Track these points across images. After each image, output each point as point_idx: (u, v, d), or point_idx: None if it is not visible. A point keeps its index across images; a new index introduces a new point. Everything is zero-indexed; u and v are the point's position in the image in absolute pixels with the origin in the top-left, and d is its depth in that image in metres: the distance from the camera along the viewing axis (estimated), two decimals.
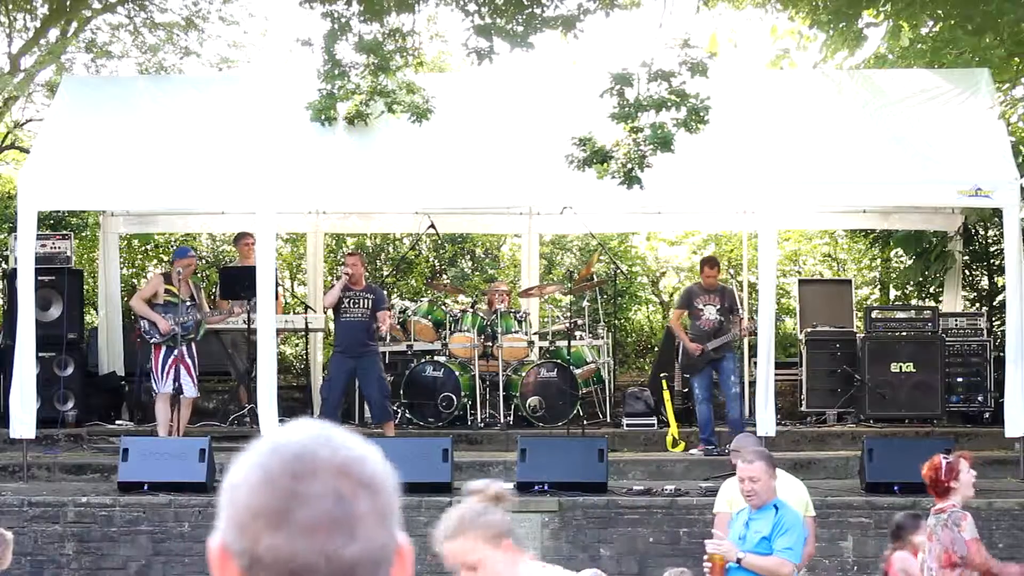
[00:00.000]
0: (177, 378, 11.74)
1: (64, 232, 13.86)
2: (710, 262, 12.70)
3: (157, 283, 12.28)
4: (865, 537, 10.21)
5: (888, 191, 11.53)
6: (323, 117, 11.40)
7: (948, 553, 7.08)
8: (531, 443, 10.90)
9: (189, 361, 11.90)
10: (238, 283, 12.70)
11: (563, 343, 13.34)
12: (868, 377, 13.09)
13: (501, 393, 13.19)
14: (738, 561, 6.78)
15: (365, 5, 11.37)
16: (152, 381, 11.95)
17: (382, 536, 1.49)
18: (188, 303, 11.90)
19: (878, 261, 17.69)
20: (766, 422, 10.91)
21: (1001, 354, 12.31)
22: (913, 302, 16.33)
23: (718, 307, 12.25)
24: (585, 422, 12.87)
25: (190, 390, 11.91)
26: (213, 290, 14.26)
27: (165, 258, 17.34)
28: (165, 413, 11.84)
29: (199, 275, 16.61)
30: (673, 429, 12.46)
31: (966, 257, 15.10)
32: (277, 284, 12.50)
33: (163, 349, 11.86)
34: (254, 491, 1.47)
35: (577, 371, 13.20)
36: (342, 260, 15.93)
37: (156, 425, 11.95)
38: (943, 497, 7.24)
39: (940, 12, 12.32)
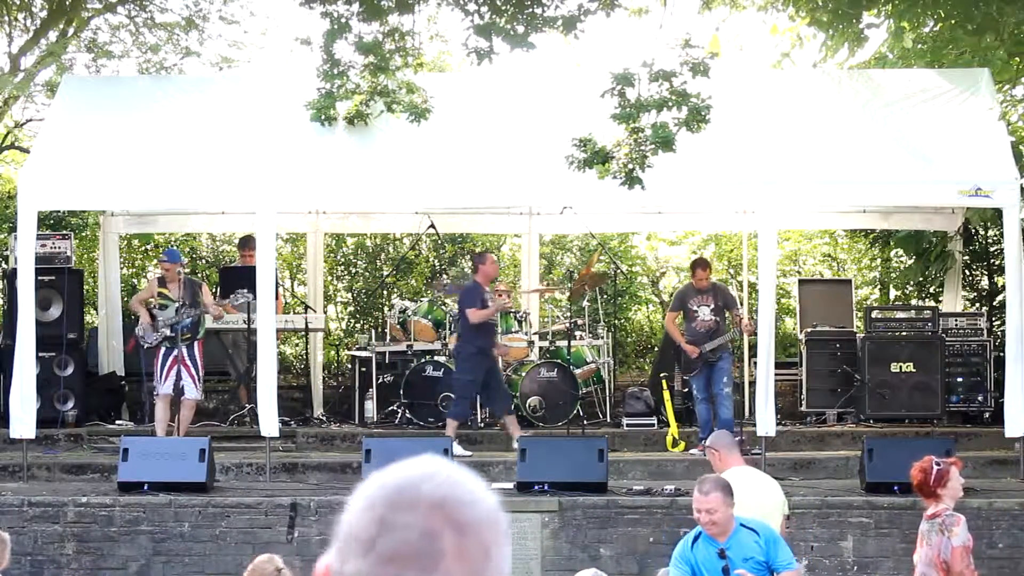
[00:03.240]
0: (178, 379, 11.74)
1: (64, 232, 13.84)
2: (701, 264, 12.68)
3: (153, 287, 12.30)
4: (865, 537, 10.21)
5: (888, 191, 11.53)
6: (323, 117, 11.39)
7: (938, 558, 7.08)
8: (531, 443, 10.90)
9: (190, 362, 11.89)
10: (238, 283, 12.71)
11: (563, 343, 13.34)
12: (868, 377, 13.09)
13: None
14: None
15: (365, 5, 11.35)
16: (155, 381, 11.97)
17: None
18: (181, 304, 11.89)
19: (878, 261, 17.67)
20: (766, 422, 10.91)
21: (1001, 354, 12.31)
22: (913, 302, 16.32)
23: (712, 307, 12.26)
24: (585, 422, 12.86)
25: (191, 392, 11.90)
26: (214, 290, 14.25)
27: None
28: (163, 414, 11.84)
29: (199, 275, 16.61)
30: (673, 429, 12.46)
31: (966, 257, 15.09)
32: (277, 284, 12.50)
33: (162, 350, 11.87)
34: (354, 517, 1.53)
35: (577, 371, 13.19)
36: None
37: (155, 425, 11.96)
38: (930, 500, 7.23)
39: (941, 12, 12.31)
